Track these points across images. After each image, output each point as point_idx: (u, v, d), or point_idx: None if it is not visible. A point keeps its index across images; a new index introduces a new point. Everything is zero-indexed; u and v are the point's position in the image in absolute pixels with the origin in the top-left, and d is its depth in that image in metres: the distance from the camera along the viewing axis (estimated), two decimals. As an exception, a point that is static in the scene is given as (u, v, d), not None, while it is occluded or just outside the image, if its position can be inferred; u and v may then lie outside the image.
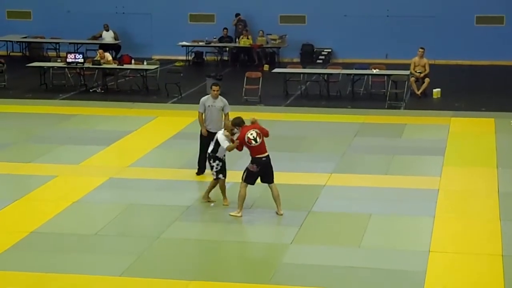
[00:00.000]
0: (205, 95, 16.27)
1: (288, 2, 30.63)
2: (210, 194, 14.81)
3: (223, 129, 14.50)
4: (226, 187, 14.68)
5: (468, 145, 18.96)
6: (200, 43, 30.18)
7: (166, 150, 18.62)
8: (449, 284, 11.50)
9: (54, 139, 19.48)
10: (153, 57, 29.80)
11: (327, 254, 12.51)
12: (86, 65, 25.17)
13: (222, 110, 15.89)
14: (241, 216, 14.02)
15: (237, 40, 30.22)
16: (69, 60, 25.15)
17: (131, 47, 30.27)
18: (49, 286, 11.50)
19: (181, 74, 25.08)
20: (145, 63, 25.61)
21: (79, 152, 18.17)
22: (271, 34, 29.99)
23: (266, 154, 13.98)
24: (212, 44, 30.25)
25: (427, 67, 24.19)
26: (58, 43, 30.97)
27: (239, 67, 29.27)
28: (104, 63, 25.17)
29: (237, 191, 14.12)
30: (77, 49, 29.68)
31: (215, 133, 15.10)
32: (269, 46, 30.14)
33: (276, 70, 25.55)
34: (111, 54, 27.39)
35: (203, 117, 15.96)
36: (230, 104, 16.03)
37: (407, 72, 23.92)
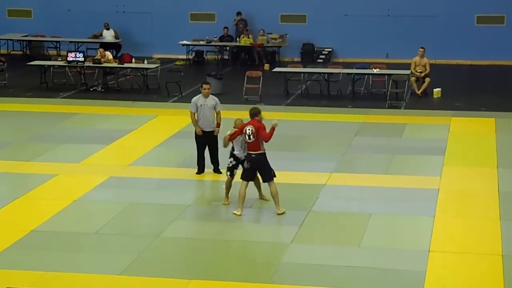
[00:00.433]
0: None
1: (288, 2, 30.62)
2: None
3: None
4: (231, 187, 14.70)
5: (468, 145, 18.96)
6: (201, 42, 30.18)
7: (166, 149, 18.62)
8: (449, 284, 11.50)
9: (55, 137, 19.48)
10: (153, 56, 29.82)
11: (327, 254, 12.51)
12: (87, 64, 25.17)
13: (214, 108, 15.98)
14: (241, 215, 14.03)
15: (237, 39, 30.22)
16: (69, 58, 25.14)
17: (132, 46, 30.28)
18: (49, 284, 11.49)
19: (182, 73, 25.08)
20: (145, 62, 25.61)
21: (79, 151, 18.17)
22: (271, 33, 29.98)
23: (258, 152, 14.00)
24: (213, 43, 30.25)
25: (427, 67, 24.18)
26: (58, 41, 30.96)
27: (240, 66, 29.26)
28: (104, 62, 25.16)
29: (237, 190, 14.14)
30: (78, 47, 29.69)
31: (210, 131, 15.14)
32: (269, 45, 30.13)
33: (277, 69, 25.54)
34: (112, 53, 27.38)
35: (196, 116, 16.07)
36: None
37: (408, 72, 23.91)
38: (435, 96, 23.99)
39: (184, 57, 30.35)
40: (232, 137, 14.28)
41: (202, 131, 16.06)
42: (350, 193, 15.46)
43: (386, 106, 22.68)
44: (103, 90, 25.07)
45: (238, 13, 30.55)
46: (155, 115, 21.73)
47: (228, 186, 14.63)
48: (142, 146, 18.64)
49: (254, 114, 14.21)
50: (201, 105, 16.04)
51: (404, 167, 17.16)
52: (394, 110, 22.39)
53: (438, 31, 29.37)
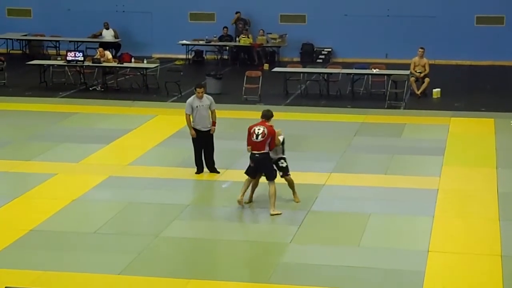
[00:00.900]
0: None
1: (288, 2, 30.59)
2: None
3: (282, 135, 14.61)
4: (226, 185, 14.68)
5: (467, 145, 18.96)
6: (200, 42, 30.15)
7: (165, 148, 18.62)
8: (448, 284, 11.50)
9: (54, 137, 19.48)
10: (153, 55, 29.80)
11: (326, 254, 12.51)
12: (86, 63, 25.14)
13: (209, 107, 16.03)
14: (242, 200, 14.26)
15: (237, 39, 30.21)
16: (69, 58, 25.11)
17: (131, 46, 30.24)
18: (48, 284, 11.48)
19: (181, 73, 25.07)
20: (145, 61, 25.59)
21: (78, 150, 18.17)
22: (271, 33, 29.96)
23: (261, 151, 14.11)
24: (212, 43, 30.22)
25: (427, 67, 24.17)
26: (58, 41, 30.93)
27: (239, 66, 29.25)
28: (104, 61, 25.15)
29: (237, 190, 14.16)
30: (77, 47, 29.66)
31: (206, 131, 15.14)
32: (269, 45, 30.11)
33: (276, 69, 25.53)
34: (111, 53, 27.36)
35: (191, 118, 16.10)
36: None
37: (407, 72, 23.89)
38: (434, 96, 23.98)
39: (184, 56, 30.33)
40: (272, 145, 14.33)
41: (199, 131, 16.08)
42: (349, 193, 15.46)
43: (386, 106, 22.67)
44: (102, 89, 25.06)
45: (237, 12, 30.52)
46: (155, 115, 21.72)
47: (291, 183, 14.76)
48: (141, 146, 18.64)
49: (266, 116, 14.32)
50: (197, 107, 16.06)
51: (404, 167, 17.16)
52: (393, 110, 22.38)
53: (438, 32, 29.34)
